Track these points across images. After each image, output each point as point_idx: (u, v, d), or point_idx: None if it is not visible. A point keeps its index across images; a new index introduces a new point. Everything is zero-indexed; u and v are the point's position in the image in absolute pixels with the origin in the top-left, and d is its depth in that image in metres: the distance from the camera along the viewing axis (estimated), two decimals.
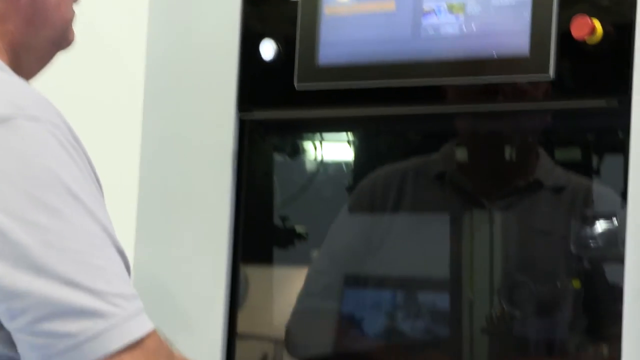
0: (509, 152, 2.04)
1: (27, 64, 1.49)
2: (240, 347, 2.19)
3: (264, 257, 2.29)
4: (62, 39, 1.52)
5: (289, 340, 2.19)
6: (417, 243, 2.05)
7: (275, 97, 2.13)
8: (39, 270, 1.26)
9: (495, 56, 1.86)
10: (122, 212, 2.18)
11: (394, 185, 2.07)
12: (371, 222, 2.14)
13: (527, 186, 1.98)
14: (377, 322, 2.15)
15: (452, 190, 2.05)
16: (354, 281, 2.17)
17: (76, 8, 1.52)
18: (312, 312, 2.21)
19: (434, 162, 2.05)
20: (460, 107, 1.98)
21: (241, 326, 2.21)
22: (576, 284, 1.89)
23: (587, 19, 1.78)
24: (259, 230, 2.24)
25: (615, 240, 1.81)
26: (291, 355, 2.21)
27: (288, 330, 2.20)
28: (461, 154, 2.06)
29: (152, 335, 1.32)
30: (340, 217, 2.16)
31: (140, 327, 1.30)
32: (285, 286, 2.36)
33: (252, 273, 2.29)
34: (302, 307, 2.18)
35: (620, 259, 1.77)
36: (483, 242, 2.00)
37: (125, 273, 1.35)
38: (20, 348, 1.30)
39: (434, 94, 1.96)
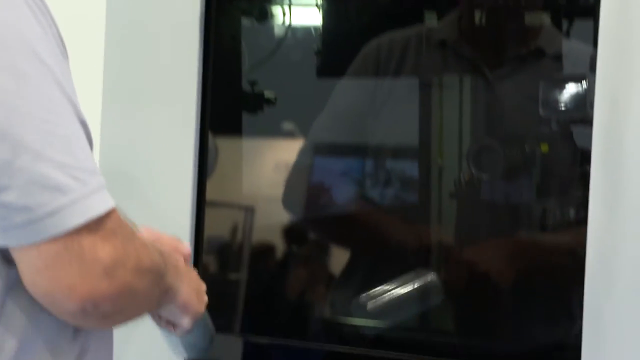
0: (510, 20, 2.01)
1: None
2: (209, 214, 2.20)
3: (234, 126, 2.27)
4: None
5: (284, 193, 2.21)
6: (413, 109, 2.05)
7: None
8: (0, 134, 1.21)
9: None
10: (88, 81, 2.16)
11: (396, 50, 2.06)
12: (374, 86, 2.13)
13: (528, 54, 1.97)
14: (371, 186, 2.16)
15: (453, 57, 2.04)
16: (347, 146, 2.17)
17: None
18: (305, 168, 2.21)
19: (437, 30, 2.04)
20: None
21: (210, 194, 2.20)
22: (544, 147, 1.89)
23: None
24: (228, 97, 2.22)
25: (584, 102, 1.81)
26: (285, 208, 2.22)
27: (285, 184, 2.20)
28: (463, 22, 2.04)
29: (113, 213, 1.27)
30: (344, 80, 2.14)
31: (101, 204, 1.25)
32: (255, 157, 2.36)
33: (222, 143, 2.28)
34: (298, 163, 2.18)
35: (588, 122, 1.77)
36: (454, 107, 2.00)
37: (88, 147, 1.30)
38: None
39: None
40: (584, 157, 1.80)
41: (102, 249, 1.25)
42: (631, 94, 1.73)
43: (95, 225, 1.25)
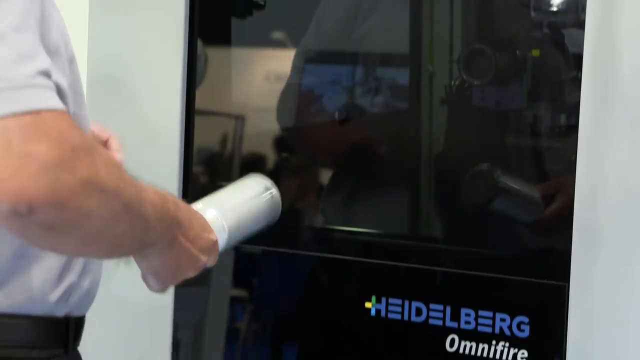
0: None
1: None
2: (199, 123, 2.18)
3: (223, 35, 2.25)
4: None
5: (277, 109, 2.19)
6: (403, 14, 2.02)
7: None
8: None
9: None
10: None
11: None
12: None
13: None
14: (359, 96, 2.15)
15: None
16: (337, 54, 2.15)
17: None
18: (294, 85, 2.19)
19: None
20: None
21: (200, 103, 2.19)
22: (535, 52, 1.87)
23: None
24: (217, 4, 2.20)
25: (576, 6, 1.79)
26: (278, 123, 2.21)
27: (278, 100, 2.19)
28: None
29: (59, 115, 1.17)
30: None
31: (39, 100, 1.16)
32: (245, 66, 2.34)
33: (211, 52, 2.26)
34: (289, 81, 2.17)
35: (580, 26, 1.75)
36: (444, 12, 1.98)
37: (39, 50, 1.22)
38: None
39: None
40: (576, 62, 1.79)
41: (37, 144, 1.13)
42: None
43: (31, 121, 1.14)
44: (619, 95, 1.73)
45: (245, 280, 2.23)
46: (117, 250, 1.30)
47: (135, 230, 1.27)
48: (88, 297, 1.53)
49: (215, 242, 1.47)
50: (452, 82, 1.94)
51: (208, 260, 1.46)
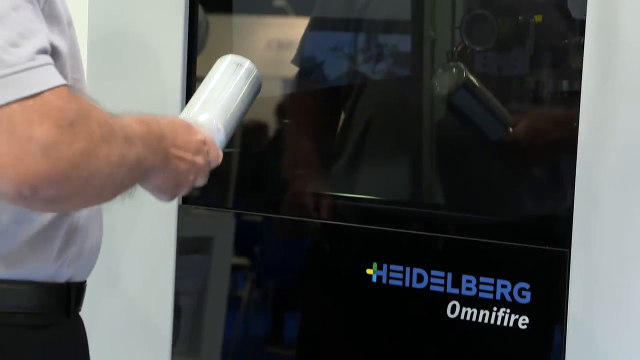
0: None
1: None
2: None
3: (224, 2, 2.24)
4: None
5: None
6: None
7: None
8: None
9: None
10: None
11: None
12: None
13: None
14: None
15: None
16: (339, 20, 2.15)
17: None
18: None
19: None
20: None
21: (201, 71, 2.18)
22: (538, 18, 1.86)
23: None
24: None
25: None
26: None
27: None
28: None
29: (58, 91, 1.20)
30: None
31: (40, 81, 1.20)
32: (247, 34, 2.33)
33: (212, 19, 2.26)
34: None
35: None
36: None
37: (38, 24, 1.24)
38: None
39: None
40: (579, 27, 1.78)
41: (39, 127, 1.17)
42: None
43: (34, 104, 1.18)
44: (621, 61, 1.72)
45: (246, 248, 2.23)
46: (120, 192, 1.33)
47: (134, 171, 1.31)
48: (89, 262, 1.53)
49: (204, 140, 1.49)
50: (454, 48, 1.93)
51: (207, 160, 1.49)
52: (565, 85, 1.85)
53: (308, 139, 2.17)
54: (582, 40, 1.74)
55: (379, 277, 1.95)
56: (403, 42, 2.07)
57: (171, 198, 1.48)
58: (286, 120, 2.24)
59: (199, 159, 1.46)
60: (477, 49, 1.88)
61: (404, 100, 2.04)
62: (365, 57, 2.11)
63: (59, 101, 1.20)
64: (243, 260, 2.26)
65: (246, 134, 2.24)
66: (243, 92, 1.59)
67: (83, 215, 1.48)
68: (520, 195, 1.92)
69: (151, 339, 2.22)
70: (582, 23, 1.74)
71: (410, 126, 2.03)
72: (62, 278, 1.47)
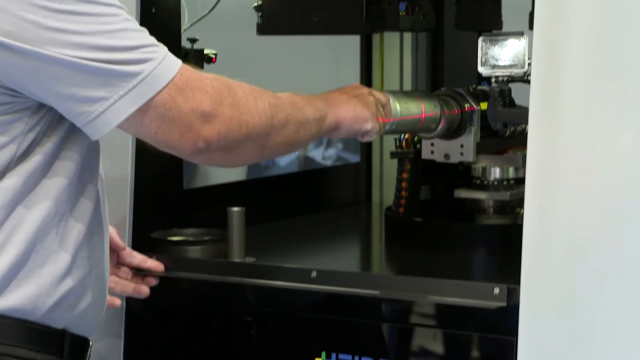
0: None
1: None
2: None
3: None
4: None
5: None
6: None
7: None
8: (74, 45, 1.41)
9: None
10: None
11: None
12: None
13: None
14: None
15: None
16: None
17: None
18: None
19: None
20: None
21: None
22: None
23: None
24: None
25: None
26: None
27: None
28: None
29: (184, 70, 1.47)
30: None
31: (172, 66, 1.45)
32: None
33: None
34: None
35: None
36: None
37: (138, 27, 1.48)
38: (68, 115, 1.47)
39: None
40: None
41: (197, 97, 1.47)
42: None
43: (179, 80, 1.45)
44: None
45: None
46: (288, 138, 1.63)
47: (298, 115, 1.63)
48: (87, 315, 1.57)
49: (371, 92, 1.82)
50: None
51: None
52: None
53: None
54: None
55: None
56: None
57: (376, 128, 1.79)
58: None
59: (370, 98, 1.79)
60: None
61: None
62: None
63: (192, 74, 1.49)
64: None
65: None
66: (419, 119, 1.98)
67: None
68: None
69: None
70: None
71: None
72: (57, 324, 1.53)
